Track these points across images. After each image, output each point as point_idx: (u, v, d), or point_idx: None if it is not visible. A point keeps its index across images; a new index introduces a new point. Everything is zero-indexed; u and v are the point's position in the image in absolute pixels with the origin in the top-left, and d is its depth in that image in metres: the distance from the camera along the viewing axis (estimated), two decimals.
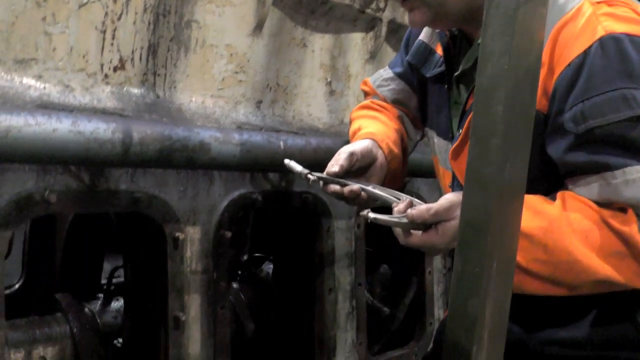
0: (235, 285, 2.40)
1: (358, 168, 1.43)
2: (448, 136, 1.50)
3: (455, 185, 1.50)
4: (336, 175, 1.37)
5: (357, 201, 1.37)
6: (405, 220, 1.13)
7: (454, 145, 1.42)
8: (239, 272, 2.60)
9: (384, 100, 1.75)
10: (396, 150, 1.55)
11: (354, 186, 1.34)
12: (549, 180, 1.25)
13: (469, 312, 1.03)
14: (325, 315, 2.02)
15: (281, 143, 1.71)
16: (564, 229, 1.12)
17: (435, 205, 1.11)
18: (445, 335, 1.06)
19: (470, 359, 1.03)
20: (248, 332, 2.22)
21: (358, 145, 1.46)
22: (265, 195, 1.85)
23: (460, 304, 1.04)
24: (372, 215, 1.13)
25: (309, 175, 1.36)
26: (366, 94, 1.83)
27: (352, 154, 1.41)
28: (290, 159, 1.74)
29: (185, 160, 1.49)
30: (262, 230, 2.78)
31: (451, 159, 1.45)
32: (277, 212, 2.21)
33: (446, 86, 1.47)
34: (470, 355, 1.03)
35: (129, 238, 1.87)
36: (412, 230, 1.14)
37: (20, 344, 1.76)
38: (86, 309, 2.03)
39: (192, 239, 1.68)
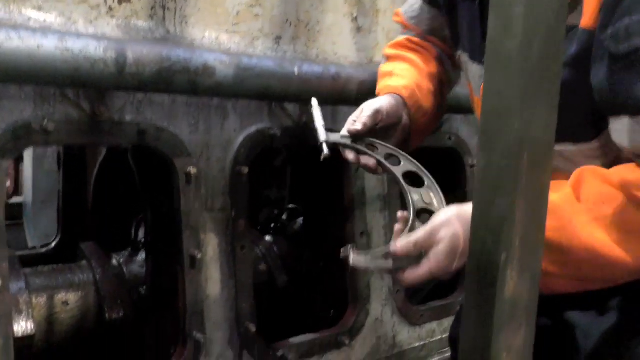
0: (269, 238, 2.32)
1: (381, 128, 1.35)
2: (482, 59, 1.32)
3: None
4: (358, 133, 1.31)
5: (372, 172, 1.32)
6: (390, 261, 1.04)
7: None
8: (273, 225, 2.51)
9: (421, 34, 1.61)
10: (427, 104, 1.44)
11: (370, 161, 1.29)
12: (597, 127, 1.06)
13: (495, 213, 0.88)
14: None
15: (295, 69, 1.58)
16: (579, 222, 0.97)
17: (414, 236, 1.02)
18: (470, 244, 0.91)
19: (497, 270, 0.88)
20: (280, 283, 2.13)
21: (384, 102, 1.36)
22: (285, 131, 1.72)
23: (485, 205, 0.89)
24: (352, 259, 1.06)
25: (324, 146, 1.31)
26: (402, 27, 1.68)
27: (377, 112, 1.33)
28: (307, 88, 1.60)
29: (188, 84, 1.38)
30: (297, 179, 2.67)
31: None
32: (298, 150, 2.09)
33: (477, 0, 1.30)
34: (498, 265, 0.88)
35: (144, 177, 1.80)
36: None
37: (42, 289, 1.73)
38: (113, 259, 1.98)
39: (207, 176, 1.58)
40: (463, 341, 0.95)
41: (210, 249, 1.59)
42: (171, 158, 1.51)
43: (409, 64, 1.53)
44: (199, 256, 1.52)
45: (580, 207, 0.98)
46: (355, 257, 1.05)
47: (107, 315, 1.75)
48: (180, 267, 1.55)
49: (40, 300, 1.70)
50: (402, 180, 1.20)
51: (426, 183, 1.21)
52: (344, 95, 1.71)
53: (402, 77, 1.46)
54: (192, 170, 1.52)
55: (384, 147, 1.32)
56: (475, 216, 0.91)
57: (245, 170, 1.62)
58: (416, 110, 1.41)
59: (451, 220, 1.02)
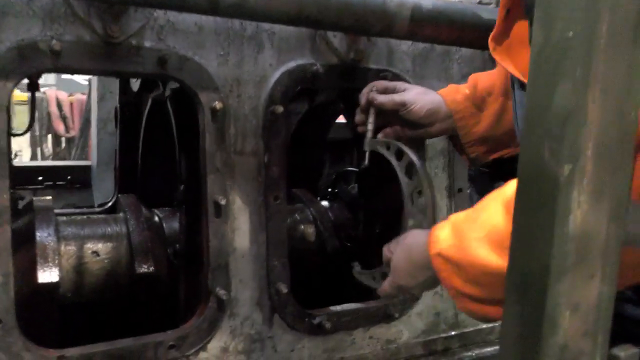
0: (324, 202, 2.12)
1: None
2: None
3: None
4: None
5: None
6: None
7: (494, 32, 1.15)
8: (329, 189, 2.31)
9: None
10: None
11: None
12: None
13: (555, 106, 0.62)
14: None
15: None
16: (469, 238, 0.92)
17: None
18: (520, 154, 0.66)
19: (557, 190, 0.63)
20: (329, 249, 1.92)
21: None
22: (329, 69, 1.51)
23: (540, 96, 0.63)
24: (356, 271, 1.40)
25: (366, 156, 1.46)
26: None
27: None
28: (349, 13, 1.38)
29: (205, 1, 1.20)
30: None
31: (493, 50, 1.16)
32: (344, 92, 1.87)
33: None
34: (559, 182, 0.62)
35: (180, 123, 1.66)
36: None
37: (72, 238, 1.63)
38: (154, 214, 1.87)
39: (236, 114, 1.41)
40: (508, 301, 0.70)
41: (238, 197, 1.41)
42: (195, 91, 1.34)
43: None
44: (223, 202, 1.35)
45: (476, 215, 0.94)
46: (356, 273, 1.40)
47: (136, 269, 1.63)
48: (204, 215, 1.39)
49: (69, 249, 1.61)
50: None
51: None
52: (394, 27, 1.46)
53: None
54: (218, 105, 1.34)
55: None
56: (528, 114, 0.65)
57: (280, 109, 1.42)
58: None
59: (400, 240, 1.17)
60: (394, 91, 1.42)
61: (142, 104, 2.28)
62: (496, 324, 1.78)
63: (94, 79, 2.97)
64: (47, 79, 8.62)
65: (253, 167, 1.43)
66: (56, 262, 1.54)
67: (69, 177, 3.17)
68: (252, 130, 1.43)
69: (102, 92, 2.83)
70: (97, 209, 2.41)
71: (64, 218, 1.71)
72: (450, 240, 0.97)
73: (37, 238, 1.56)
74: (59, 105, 7.38)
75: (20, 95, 8.42)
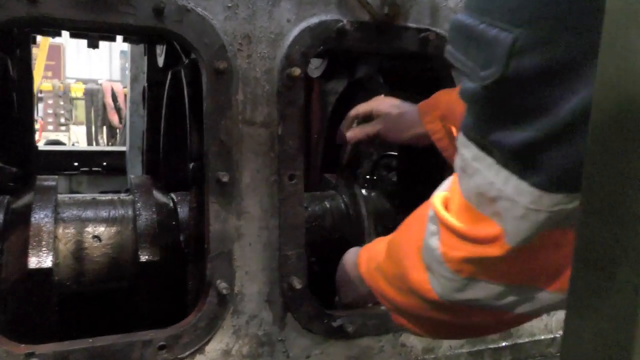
0: (361, 190, 1.89)
1: None
2: None
3: None
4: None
5: None
6: None
7: None
8: (368, 177, 2.07)
9: None
10: None
11: None
12: None
13: None
14: None
15: None
16: (372, 267, 1.01)
17: None
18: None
19: None
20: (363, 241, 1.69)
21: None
22: (358, 27, 1.27)
23: None
24: None
25: None
26: None
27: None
28: None
29: None
30: None
31: None
32: (384, 65, 1.62)
33: None
34: None
35: (192, 93, 1.47)
36: None
37: (72, 220, 1.47)
38: (169, 197, 1.69)
39: (246, 77, 1.20)
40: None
41: (247, 174, 1.20)
42: (197, 48, 1.14)
43: None
44: (225, 179, 1.14)
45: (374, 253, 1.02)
46: None
47: (140, 256, 1.45)
48: (206, 194, 1.19)
49: (67, 232, 1.45)
50: None
51: None
52: None
53: None
54: (222, 65, 1.14)
55: None
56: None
57: (298, 72, 1.20)
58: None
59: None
60: (371, 116, 1.51)
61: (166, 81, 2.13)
62: (557, 334, 1.50)
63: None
64: (102, 73, 8.80)
65: (265, 139, 1.22)
66: (51, 246, 1.38)
67: (104, 163, 3.08)
68: (264, 96, 1.21)
69: (135, 73, 2.71)
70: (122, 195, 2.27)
71: (66, 199, 1.55)
72: (365, 264, 1.04)
73: (32, 220, 1.41)
74: (114, 97, 7.46)
75: (77, 87, 8.62)
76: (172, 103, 1.95)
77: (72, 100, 9.06)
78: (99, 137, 7.49)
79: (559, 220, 0.63)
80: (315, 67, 2.21)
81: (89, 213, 1.51)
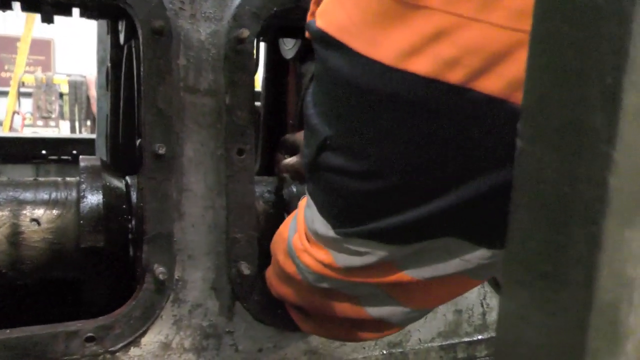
0: None
1: None
2: None
3: None
4: None
5: None
6: None
7: None
8: None
9: None
10: None
11: None
12: None
13: None
14: None
15: None
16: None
17: None
18: None
19: None
20: None
21: None
22: None
23: None
24: None
25: None
26: None
27: None
28: None
29: None
30: None
31: None
32: None
33: None
34: None
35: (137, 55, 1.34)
36: None
37: (7, 202, 1.35)
38: (123, 180, 1.57)
39: (189, 39, 1.08)
40: None
41: (189, 146, 1.08)
42: (130, 4, 1.02)
43: None
44: (162, 151, 1.02)
45: None
46: None
47: (82, 241, 1.33)
48: (142, 169, 1.07)
49: (2, 215, 1.33)
50: None
51: None
52: None
53: None
54: (158, 23, 1.02)
55: None
56: None
57: (246, 33, 1.08)
58: None
59: None
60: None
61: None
62: None
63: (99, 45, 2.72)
64: (93, 68, 8.62)
65: (210, 109, 1.09)
66: None
67: (74, 152, 2.95)
68: (209, 61, 1.09)
69: (102, 55, 2.57)
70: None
71: (4, 180, 1.42)
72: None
73: None
74: None
75: (62, 80, 8.46)
76: (129, 81, 1.83)
77: (61, 95, 8.91)
78: (83, 130, 7.35)
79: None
80: (289, 47, 2.09)
81: (28, 195, 1.38)
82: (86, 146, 2.93)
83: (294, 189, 1.59)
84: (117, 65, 2.16)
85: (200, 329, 1.10)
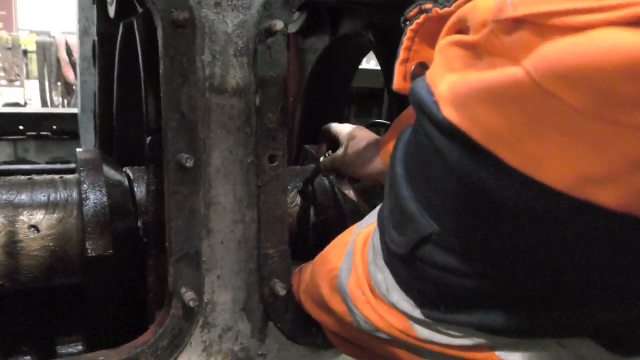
0: None
1: None
2: None
3: None
4: None
5: None
6: None
7: None
8: None
9: None
10: None
11: None
12: None
13: None
14: None
15: None
16: None
17: None
18: None
19: None
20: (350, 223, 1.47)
21: None
22: None
23: None
24: None
25: None
26: None
27: None
28: None
29: None
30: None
31: None
32: (372, 7, 1.38)
33: None
34: None
35: (147, 52, 1.20)
36: None
37: (2, 206, 1.21)
38: (124, 174, 1.43)
39: (214, 31, 0.94)
40: None
41: (216, 155, 0.96)
42: None
43: None
44: (190, 164, 0.90)
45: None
46: None
47: (88, 250, 1.21)
48: (166, 182, 0.95)
49: None
50: None
51: None
52: None
53: None
54: (182, 15, 0.88)
55: None
56: None
57: (280, 25, 0.94)
58: None
59: None
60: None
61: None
62: None
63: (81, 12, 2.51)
64: (57, 24, 8.19)
65: (239, 112, 0.97)
66: None
67: (54, 127, 2.76)
68: (237, 56, 0.96)
69: (85, 25, 2.37)
70: (60, 166, 1.98)
71: None
72: (296, 285, 1.00)
73: None
74: (69, 50, 6.94)
75: (29, 40, 8.02)
76: (125, 61, 1.67)
77: (25, 53, 8.46)
78: (54, 94, 7.01)
79: None
80: (292, 21, 1.94)
81: (24, 197, 1.24)
82: (67, 122, 2.75)
83: (326, 182, 1.49)
84: (105, 40, 1.99)
85: (232, 353, 1.00)
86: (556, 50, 0.34)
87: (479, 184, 0.43)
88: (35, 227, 1.22)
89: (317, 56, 1.90)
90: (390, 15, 1.50)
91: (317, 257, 0.90)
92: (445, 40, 0.47)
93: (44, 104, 6.94)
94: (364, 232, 0.77)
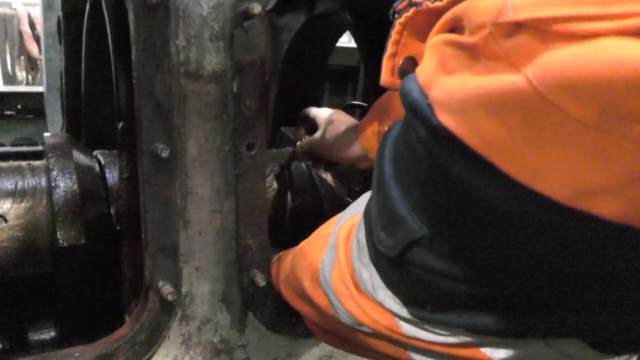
0: None
1: None
2: None
3: None
4: None
5: None
6: None
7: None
8: None
9: None
10: None
11: None
12: None
13: None
14: None
15: None
16: None
17: None
18: None
19: None
20: (329, 207, 1.46)
21: None
22: None
23: None
24: None
25: None
26: None
27: None
28: None
29: None
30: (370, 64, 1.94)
31: None
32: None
33: None
34: None
35: (116, 30, 1.14)
36: None
37: None
38: (94, 158, 1.39)
39: (189, 14, 0.89)
40: None
41: (192, 143, 0.93)
42: None
43: None
44: (165, 154, 0.86)
45: None
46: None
47: (59, 240, 1.17)
48: (140, 172, 0.91)
49: None
50: None
51: None
52: None
53: None
54: None
55: None
56: None
57: (258, 9, 0.91)
58: None
59: None
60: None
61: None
62: None
63: None
64: None
65: (215, 98, 0.93)
66: None
67: (19, 106, 2.66)
68: (213, 40, 0.92)
69: (49, 0, 2.27)
70: (26, 149, 1.91)
71: None
72: (275, 275, 1.00)
73: None
74: (32, 24, 6.68)
75: None
76: (93, 39, 1.60)
77: None
78: (17, 69, 6.77)
79: None
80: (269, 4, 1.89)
81: None
82: (33, 101, 2.65)
83: (303, 166, 1.47)
84: (70, 17, 1.91)
85: (211, 345, 0.99)
86: (560, 60, 0.32)
87: (473, 191, 0.42)
88: (2, 217, 1.17)
89: (292, 35, 1.86)
90: None
91: (297, 249, 0.88)
92: (438, 37, 0.45)
93: (6, 80, 6.69)
94: (347, 225, 0.76)
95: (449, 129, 0.41)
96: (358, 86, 2.78)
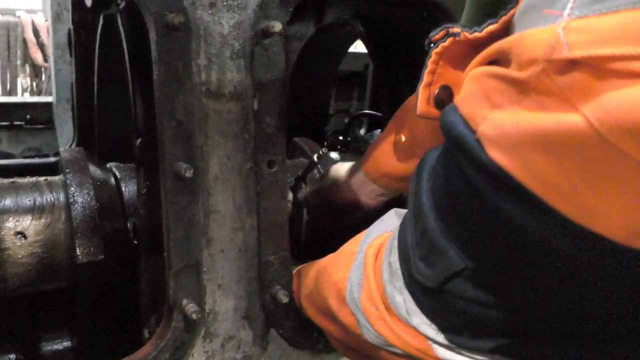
0: (335, 155, 1.65)
1: None
2: None
3: None
4: None
5: None
6: None
7: None
8: (341, 137, 1.82)
9: None
10: None
11: None
12: None
13: None
14: None
15: None
16: None
17: None
18: None
19: None
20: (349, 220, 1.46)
21: None
22: None
23: None
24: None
25: None
26: None
27: None
28: None
29: None
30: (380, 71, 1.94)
31: None
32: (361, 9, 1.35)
33: None
34: None
35: (133, 48, 1.15)
36: None
37: None
38: (110, 173, 1.39)
39: (209, 34, 0.90)
40: None
41: (214, 162, 0.93)
42: None
43: None
44: (189, 174, 0.87)
45: None
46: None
47: (78, 256, 1.17)
48: (163, 192, 0.91)
49: None
50: None
51: None
52: None
53: None
54: (177, 19, 0.84)
55: None
56: None
57: (278, 27, 0.91)
58: None
59: None
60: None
61: (97, 25, 1.76)
62: None
63: None
64: (21, 3, 7.86)
65: (236, 117, 0.94)
66: None
67: (28, 117, 2.67)
68: (233, 59, 0.92)
69: (57, 11, 2.28)
70: (52, 160, 1.91)
71: None
72: (297, 290, 1.00)
73: None
74: (36, 31, 6.70)
75: None
76: (106, 54, 1.61)
77: None
78: (22, 77, 6.78)
79: None
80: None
81: (8, 202, 1.19)
82: (42, 111, 2.66)
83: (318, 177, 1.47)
84: (81, 29, 1.91)
85: None
86: (623, 101, 0.32)
87: (524, 227, 0.42)
88: (22, 233, 1.18)
89: (303, 44, 1.86)
90: (376, 6, 1.48)
91: (321, 267, 0.88)
92: (481, 69, 0.45)
93: (12, 88, 6.71)
94: (375, 245, 0.76)
95: (501, 165, 0.41)
96: (365, 92, 2.78)
